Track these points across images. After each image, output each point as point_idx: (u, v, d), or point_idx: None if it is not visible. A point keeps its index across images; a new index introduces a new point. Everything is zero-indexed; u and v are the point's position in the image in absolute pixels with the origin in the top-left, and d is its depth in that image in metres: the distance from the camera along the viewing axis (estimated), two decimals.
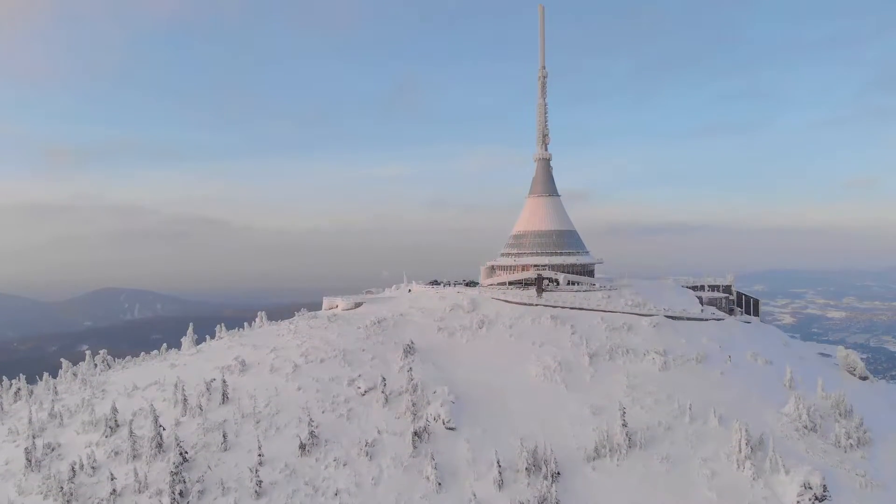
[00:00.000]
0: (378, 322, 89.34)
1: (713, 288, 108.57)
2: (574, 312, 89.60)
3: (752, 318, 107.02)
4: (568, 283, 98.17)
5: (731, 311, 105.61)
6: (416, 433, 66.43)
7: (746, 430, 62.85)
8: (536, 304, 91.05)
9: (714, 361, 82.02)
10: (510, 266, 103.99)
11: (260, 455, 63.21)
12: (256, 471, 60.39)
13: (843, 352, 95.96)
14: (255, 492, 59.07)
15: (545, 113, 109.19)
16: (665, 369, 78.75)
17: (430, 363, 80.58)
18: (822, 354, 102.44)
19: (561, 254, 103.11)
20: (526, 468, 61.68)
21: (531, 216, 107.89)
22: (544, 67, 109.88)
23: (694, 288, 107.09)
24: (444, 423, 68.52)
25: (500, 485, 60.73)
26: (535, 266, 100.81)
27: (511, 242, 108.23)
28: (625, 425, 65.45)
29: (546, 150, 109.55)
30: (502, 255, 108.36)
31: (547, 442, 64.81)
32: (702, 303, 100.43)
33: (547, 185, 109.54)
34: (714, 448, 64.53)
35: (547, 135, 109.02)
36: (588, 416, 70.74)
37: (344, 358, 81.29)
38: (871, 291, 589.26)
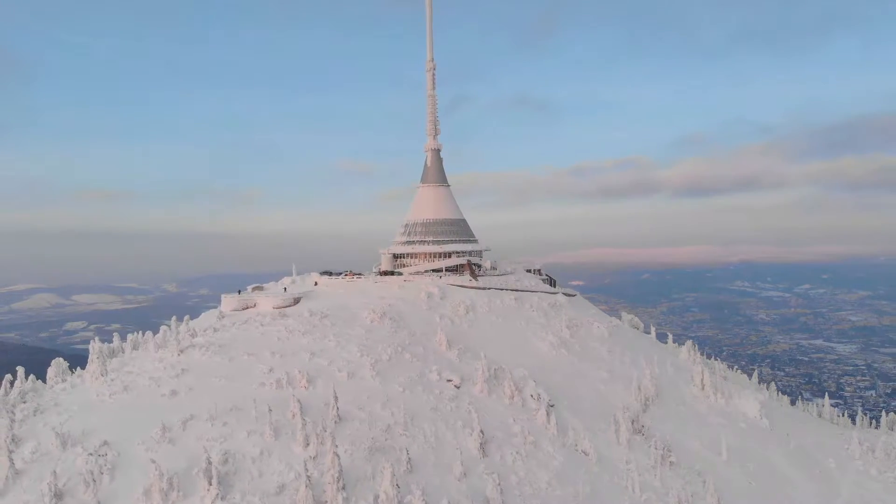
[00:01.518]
0: (381, 316, 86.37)
1: (536, 272, 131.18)
2: (514, 293, 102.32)
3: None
4: (490, 268, 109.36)
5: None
6: (546, 412, 73.65)
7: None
8: (489, 288, 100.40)
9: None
10: (434, 253, 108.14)
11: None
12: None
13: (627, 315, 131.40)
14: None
15: (435, 104, 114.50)
16: (612, 335, 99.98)
17: (465, 349, 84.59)
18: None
19: (469, 241, 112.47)
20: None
21: (437, 205, 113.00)
22: (432, 59, 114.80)
23: (528, 271, 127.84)
24: (547, 401, 76.62)
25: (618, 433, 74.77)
26: (458, 253, 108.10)
27: (419, 230, 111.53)
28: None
29: (437, 140, 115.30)
30: (407, 242, 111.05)
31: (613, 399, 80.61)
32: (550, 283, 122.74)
33: (442, 174, 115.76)
34: None
35: (437, 126, 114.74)
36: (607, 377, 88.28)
37: (402, 355, 78.77)
38: None
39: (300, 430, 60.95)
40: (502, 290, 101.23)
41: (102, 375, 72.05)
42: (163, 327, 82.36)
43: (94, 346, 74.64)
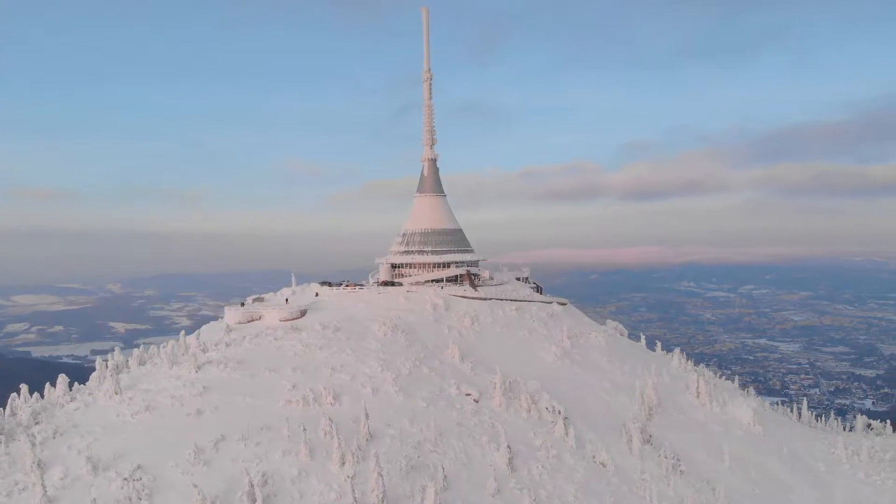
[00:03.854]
0: (393, 329, 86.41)
1: (524, 280, 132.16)
2: (514, 303, 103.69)
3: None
4: (489, 278, 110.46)
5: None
6: (564, 425, 75.22)
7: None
8: (490, 299, 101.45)
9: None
10: (434, 263, 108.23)
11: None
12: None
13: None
14: None
15: (432, 114, 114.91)
16: (609, 344, 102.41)
17: (477, 362, 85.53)
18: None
19: (467, 251, 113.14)
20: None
21: (434, 214, 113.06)
22: (429, 69, 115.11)
23: (517, 279, 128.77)
24: (560, 412, 78.25)
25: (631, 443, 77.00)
26: (457, 263, 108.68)
27: (418, 240, 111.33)
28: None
29: (433, 150, 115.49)
30: (405, 252, 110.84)
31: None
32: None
33: (439, 184, 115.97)
34: None
35: (434, 135, 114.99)
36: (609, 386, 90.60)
37: (420, 369, 79.19)
38: (253, 292, 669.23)
39: (336, 450, 60.86)
40: (502, 300, 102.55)
41: (116, 394, 70.17)
42: (171, 341, 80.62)
43: (109, 362, 72.70)
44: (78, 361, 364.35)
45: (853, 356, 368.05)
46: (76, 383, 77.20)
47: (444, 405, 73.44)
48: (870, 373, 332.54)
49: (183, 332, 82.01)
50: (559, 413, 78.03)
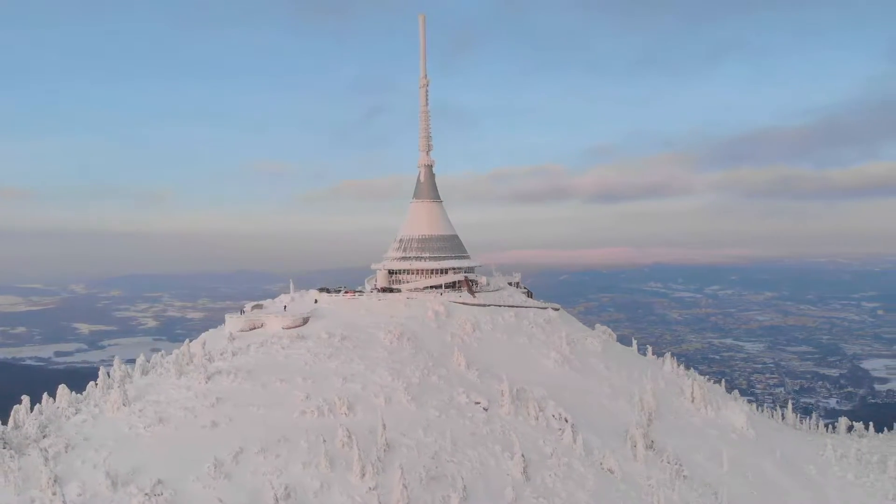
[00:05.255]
0: (398, 337, 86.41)
1: (516, 285, 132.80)
2: (512, 309, 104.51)
3: None
4: (486, 284, 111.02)
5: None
6: (573, 432, 76.23)
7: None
8: (489, 305, 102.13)
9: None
10: (431, 269, 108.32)
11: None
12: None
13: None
14: None
15: (428, 120, 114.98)
16: (605, 350, 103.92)
17: (482, 370, 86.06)
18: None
19: (464, 257, 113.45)
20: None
21: (431, 220, 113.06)
22: (426, 76, 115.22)
23: (509, 284, 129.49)
24: (566, 420, 79.29)
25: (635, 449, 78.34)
26: (455, 269, 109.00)
27: (415, 246, 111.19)
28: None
29: (429, 156, 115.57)
30: (403, 258, 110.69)
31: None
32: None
33: (435, 190, 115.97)
34: None
35: (430, 141, 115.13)
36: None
37: (429, 378, 79.38)
38: (220, 292, 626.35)
39: (357, 461, 60.80)
40: (500, 306, 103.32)
41: (125, 405, 69.00)
42: (175, 351, 79.64)
43: (116, 372, 71.43)
44: (41, 363, 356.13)
45: (817, 356, 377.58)
46: (73, 392, 75.87)
47: (455, 414, 73.85)
48: (833, 372, 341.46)
49: (187, 340, 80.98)
50: (566, 420, 79.11)
